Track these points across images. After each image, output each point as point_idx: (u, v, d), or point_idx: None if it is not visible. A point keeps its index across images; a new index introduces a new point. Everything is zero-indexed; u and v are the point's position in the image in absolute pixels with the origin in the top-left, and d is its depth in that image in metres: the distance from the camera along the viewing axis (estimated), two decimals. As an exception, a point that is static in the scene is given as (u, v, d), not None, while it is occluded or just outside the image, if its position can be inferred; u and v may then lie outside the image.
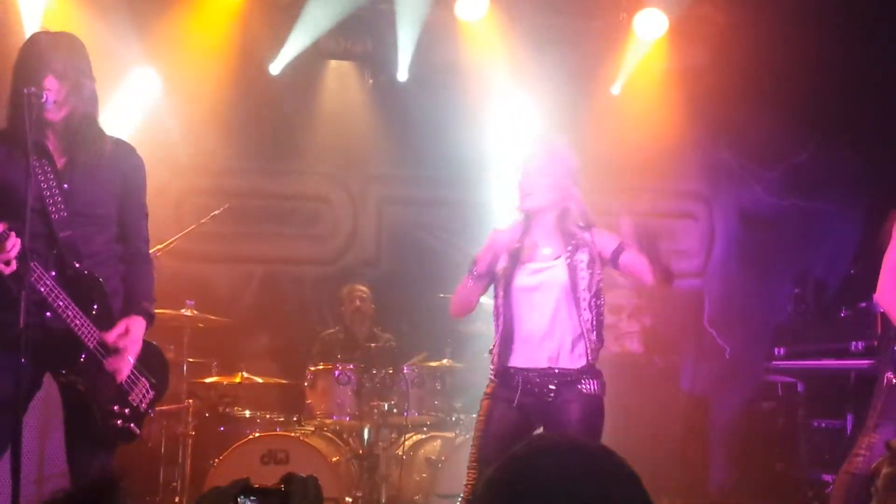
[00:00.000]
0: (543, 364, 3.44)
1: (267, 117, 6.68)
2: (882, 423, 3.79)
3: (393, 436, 5.49)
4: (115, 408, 3.22)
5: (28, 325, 2.91)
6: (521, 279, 3.50)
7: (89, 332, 3.13)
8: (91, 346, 3.14)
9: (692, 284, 7.06)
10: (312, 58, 6.64)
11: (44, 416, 4.17)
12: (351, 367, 5.39)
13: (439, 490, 5.09)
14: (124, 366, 3.21)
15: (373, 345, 5.78)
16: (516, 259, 3.51)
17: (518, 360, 3.49)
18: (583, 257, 3.49)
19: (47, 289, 3.03)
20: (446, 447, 5.28)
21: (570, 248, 3.50)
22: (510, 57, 6.49)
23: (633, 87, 6.86)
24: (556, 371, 3.42)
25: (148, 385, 3.34)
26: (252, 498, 1.60)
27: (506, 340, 3.51)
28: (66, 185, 3.14)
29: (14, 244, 2.88)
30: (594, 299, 3.48)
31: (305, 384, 5.41)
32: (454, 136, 6.18)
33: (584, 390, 3.42)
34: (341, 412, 5.34)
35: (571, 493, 1.38)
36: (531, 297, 3.48)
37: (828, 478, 5.11)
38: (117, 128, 5.86)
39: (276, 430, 5.28)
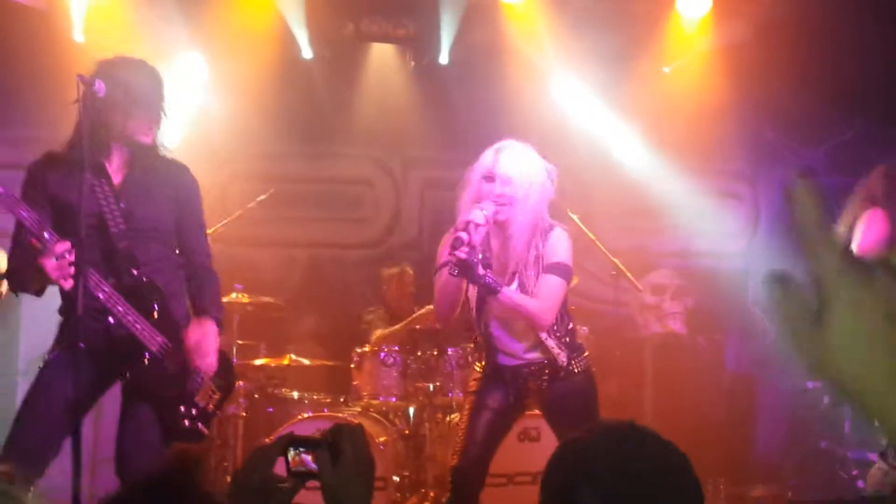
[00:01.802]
0: (527, 359, 3.60)
1: (309, 101, 6.73)
2: None
3: (438, 416, 5.54)
4: (182, 408, 3.35)
5: (92, 330, 3.07)
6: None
7: (151, 336, 3.25)
8: (154, 349, 3.26)
9: (737, 264, 7.01)
10: (355, 41, 6.67)
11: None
12: (396, 348, 5.45)
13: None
14: (205, 366, 3.34)
15: (417, 326, 5.83)
16: (487, 267, 3.51)
17: (504, 359, 3.63)
18: (533, 271, 3.53)
19: (105, 295, 3.16)
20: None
21: (527, 272, 3.53)
22: (553, 39, 6.46)
23: (680, 66, 6.80)
24: (541, 364, 3.59)
25: (214, 386, 3.44)
26: (301, 449, 1.61)
27: (487, 342, 3.63)
28: (122, 203, 3.28)
29: (69, 249, 3.00)
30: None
31: (352, 366, 5.49)
32: (496, 120, 6.17)
33: (573, 369, 3.59)
34: (387, 393, 5.40)
35: (624, 478, 1.42)
36: (497, 311, 3.57)
37: (873, 457, 5.08)
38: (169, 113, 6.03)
39: (323, 411, 5.36)
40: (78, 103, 3.12)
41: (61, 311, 3.31)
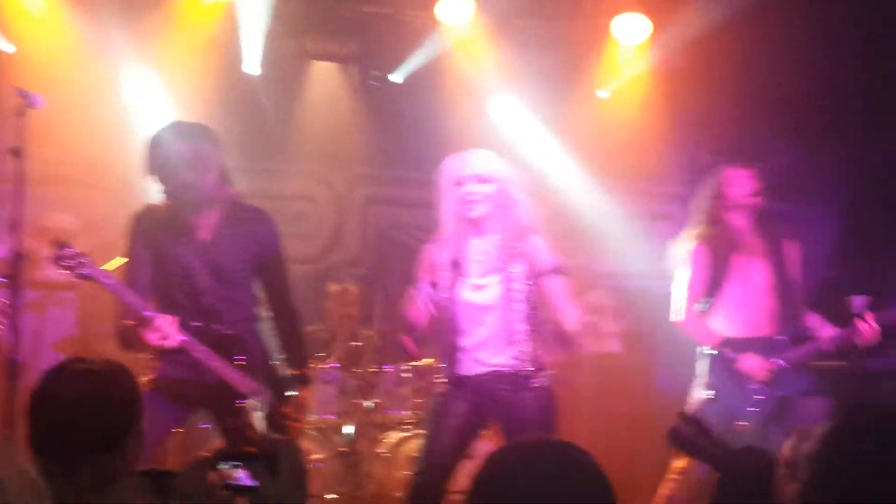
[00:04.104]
0: (488, 367, 3.58)
1: (253, 117, 6.70)
2: None
3: (376, 434, 5.54)
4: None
5: (185, 380, 3.47)
6: (464, 293, 3.60)
7: (242, 381, 3.48)
8: (248, 394, 3.49)
9: (670, 286, 7.13)
10: (298, 58, 6.68)
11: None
12: (336, 365, 5.43)
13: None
14: (300, 429, 3.65)
15: (356, 343, 5.82)
16: (458, 272, 3.59)
17: (467, 368, 3.61)
18: (518, 268, 3.58)
19: (202, 354, 3.42)
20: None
21: (507, 261, 3.58)
22: (495, 59, 6.55)
23: (616, 90, 6.94)
24: (507, 373, 3.57)
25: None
26: (236, 462, 1.61)
27: (452, 351, 3.62)
28: (208, 258, 3.52)
29: (170, 322, 3.30)
30: (531, 310, 3.58)
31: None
32: (438, 138, 6.22)
33: (537, 384, 3.58)
34: (324, 410, 5.38)
35: (539, 489, 1.46)
36: (472, 310, 3.59)
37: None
38: (115, 128, 5.95)
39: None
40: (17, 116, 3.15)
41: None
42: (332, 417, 5.40)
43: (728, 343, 4.13)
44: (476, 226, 3.62)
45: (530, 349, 3.57)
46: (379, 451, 5.37)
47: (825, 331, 4.24)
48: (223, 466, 1.63)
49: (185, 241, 3.53)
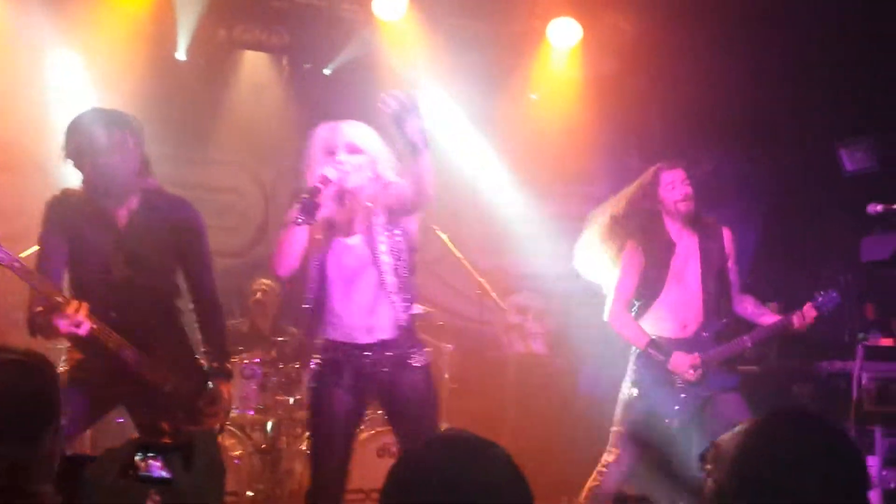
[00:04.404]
0: (364, 339, 3.49)
1: (181, 105, 6.55)
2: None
3: (297, 430, 5.46)
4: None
5: (100, 371, 3.36)
6: (334, 256, 3.52)
7: (157, 374, 3.41)
8: (167, 390, 3.42)
9: (597, 288, 7.21)
10: (228, 47, 6.56)
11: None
12: (257, 360, 5.34)
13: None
14: (217, 423, 3.55)
15: (279, 338, 5.74)
16: (330, 232, 3.52)
17: (338, 334, 3.51)
18: (380, 221, 3.51)
19: (115, 344, 3.31)
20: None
21: (371, 218, 3.52)
22: (428, 57, 6.54)
23: (547, 92, 7.00)
24: (378, 344, 3.49)
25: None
26: (151, 454, 1.58)
27: (322, 315, 3.53)
28: (125, 247, 3.43)
29: (79, 308, 3.17)
30: (398, 262, 3.52)
31: (209, 377, 5.34)
32: (370, 133, 6.16)
33: (415, 364, 3.53)
34: (245, 406, 5.28)
35: (453, 491, 1.45)
36: (342, 272, 3.51)
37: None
38: (34, 111, 5.76)
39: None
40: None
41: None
42: (253, 413, 5.31)
43: (656, 344, 4.19)
44: (343, 193, 3.53)
45: (407, 321, 3.52)
46: (300, 447, 5.30)
47: (765, 318, 4.35)
48: (137, 458, 1.57)
49: (101, 228, 3.44)
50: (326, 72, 6.66)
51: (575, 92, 7.00)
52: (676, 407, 4.14)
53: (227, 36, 6.47)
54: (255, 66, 6.79)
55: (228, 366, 3.72)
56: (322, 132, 3.62)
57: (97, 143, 3.38)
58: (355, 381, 3.52)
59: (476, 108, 6.74)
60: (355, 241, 3.53)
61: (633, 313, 4.31)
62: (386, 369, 3.51)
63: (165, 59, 6.37)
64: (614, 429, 4.25)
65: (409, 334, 3.56)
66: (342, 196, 3.54)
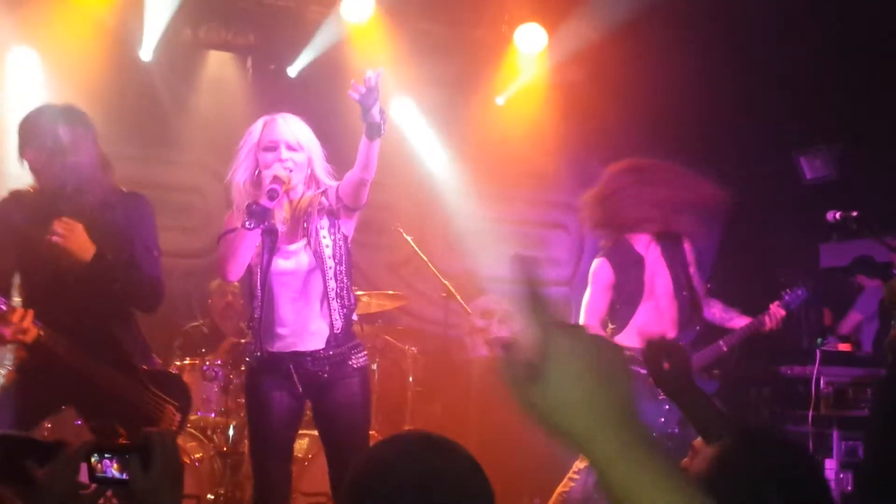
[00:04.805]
0: (308, 346, 3.46)
1: (144, 104, 6.49)
2: None
3: (259, 433, 5.42)
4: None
5: (49, 373, 3.28)
6: (277, 262, 3.47)
7: (112, 379, 3.37)
8: (116, 391, 3.39)
9: (561, 292, 7.27)
10: (192, 47, 6.51)
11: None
12: (219, 362, 5.29)
13: (304, 488, 5.04)
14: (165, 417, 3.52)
15: (241, 340, 5.69)
16: (272, 239, 3.46)
17: (282, 344, 3.47)
18: (324, 224, 3.47)
19: (65, 350, 3.26)
20: (313, 445, 5.23)
21: (312, 223, 3.46)
22: (394, 60, 6.53)
23: (513, 98, 7.03)
24: (322, 350, 3.45)
25: (174, 409, 3.59)
26: (107, 456, 1.55)
27: (266, 324, 3.48)
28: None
29: (23, 316, 3.14)
30: (339, 266, 3.48)
31: (171, 379, 5.28)
32: (334, 135, 6.14)
33: (355, 364, 3.50)
34: (206, 408, 5.22)
35: (409, 490, 1.45)
36: (285, 279, 3.47)
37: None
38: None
39: (136, 426, 5.12)
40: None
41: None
42: (214, 416, 5.25)
43: (636, 359, 4.19)
44: (280, 193, 3.43)
45: (345, 321, 3.48)
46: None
47: (735, 321, 4.38)
48: (93, 459, 1.55)
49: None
50: (291, 73, 6.63)
51: (540, 97, 7.04)
52: (662, 419, 4.11)
53: (192, 35, 6.43)
54: (219, 66, 6.73)
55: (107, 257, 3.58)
56: (254, 128, 3.55)
57: (62, 142, 3.30)
58: (291, 383, 3.48)
59: (442, 112, 6.75)
60: (298, 245, 3.48)
61: (608, 331, 4.27)
62: (325, 371, 3.47)
63: (129, 58, 6.31)
64: None
65: (347, 337, 3.51)
66: (283, 197, 3.46)
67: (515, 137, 6.95)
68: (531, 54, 6.88)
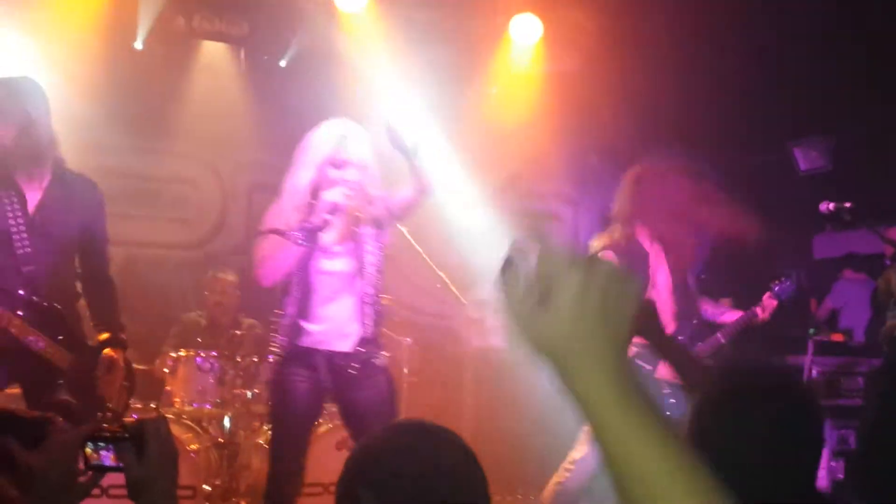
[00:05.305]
0: (339, 347, 3.53)
1: (138, 94, 6.46)
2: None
3: (255, 424, 5.42)
4: (99, 415, 3.56)
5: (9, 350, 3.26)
6: (322, 261, 3.52)
7: (62, 357, 3.38)
8: (65, 368, 3.40)
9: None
10: (186, 37, 6.48)
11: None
12: (214, 353, 5.29)
13: (300, 479, 5.06)
14: (113, 392, 3.55)
15: (237, 332, 5.69)
16: (317, 239, 3.50)
17: (312, 340, 3.53)
18: (371, 232, 3.57)
19: (17, 329, 3.26)
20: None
21: (359, 229, 3.55)
22: (389, 50, 6.52)
23: (509, 88, 7.02)
24: (353, 350, 3.53)
25: (123, 388, 3.70)
26: (101, 444, 1.56)
27: (300, 320, 3.53)
28: (32, 220, 3.35)
29: None
30: (378, 275, 3.60)
31: (166, 370, 5.29)
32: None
33: (379, 364, 3.59)
34: (202, 400, 5.23)
35: (402, 479, 1.47)
36: (327, 279, 3.53)
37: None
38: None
39: (132, 417, 5.13)
40: None
41: None
42: (210, 407, 5.26)
43: (642, 355, 4.18)
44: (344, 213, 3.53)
45: (375, 327, 3.57)
46: (258, 442, 5.26)
47: (726, 315, 4.40)
48: (88, 448, 1.55)
49: (8, 202, 3.34)
50: (283, 63, 6.61)
51: (535, 88, 7.03)
52: (668, 413, 4.13)
53: (185, 25, 6.40)
54: (212, 56, 6.71)
55: (123, 336, 3.68)
56: (328, 139, 3.52)
57: (29, 116, 3.31)
58: (318, 377, 3.53)
59: (436, 102, 6.72)
60: (341, 251, 3.54)
61: None
62: (353, 368, 3.54)
63: (122, 47, 6.28)
64: (587, 427, 4.22)
65: (375, 341, 3.61)
66: (335, 209, 3.51)
67: (510, 127, 6.94)
68: (526, 44, 6.87)
